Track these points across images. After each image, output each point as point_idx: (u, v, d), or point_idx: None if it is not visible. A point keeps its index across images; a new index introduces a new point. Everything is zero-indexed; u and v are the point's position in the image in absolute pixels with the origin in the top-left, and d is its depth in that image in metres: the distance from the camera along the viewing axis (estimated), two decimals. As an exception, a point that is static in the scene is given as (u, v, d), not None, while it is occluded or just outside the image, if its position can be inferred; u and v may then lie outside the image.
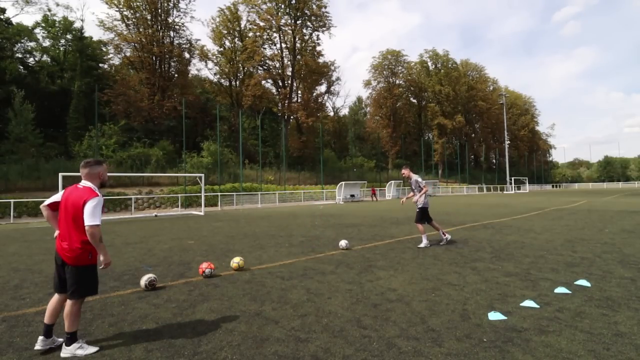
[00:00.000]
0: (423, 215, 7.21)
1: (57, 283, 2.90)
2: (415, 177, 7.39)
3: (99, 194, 2.88)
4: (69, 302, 2.83)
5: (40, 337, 2.84)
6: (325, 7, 42.32)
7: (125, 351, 2.80)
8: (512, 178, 53.17)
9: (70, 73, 36.27)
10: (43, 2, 45.66)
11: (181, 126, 28.15)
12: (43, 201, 2.77)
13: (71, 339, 2.81)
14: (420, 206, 7.20)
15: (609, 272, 4.96)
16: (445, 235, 7.41)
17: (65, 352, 2.79)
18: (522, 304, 3.68)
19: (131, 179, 24.59)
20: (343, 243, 7.12)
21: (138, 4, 34.14)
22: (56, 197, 2.96)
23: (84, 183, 2.94)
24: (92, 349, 2.82)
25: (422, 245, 7.06)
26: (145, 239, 9.05)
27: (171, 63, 37.16)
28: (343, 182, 29.21)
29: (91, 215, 2.73)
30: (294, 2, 40.76)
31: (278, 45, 42.29)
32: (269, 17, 40.14)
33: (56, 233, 2.93)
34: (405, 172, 7.54)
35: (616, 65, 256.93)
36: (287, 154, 38.36)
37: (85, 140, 27.42)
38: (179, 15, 37.04)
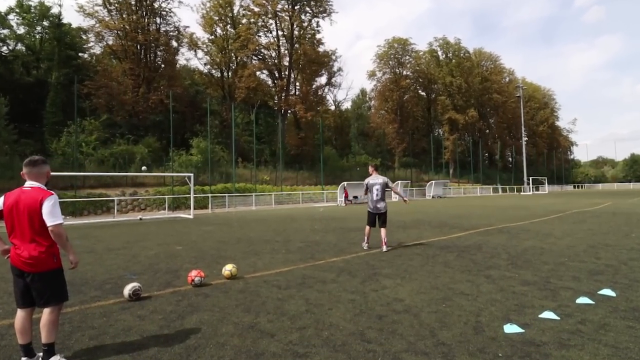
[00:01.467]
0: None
1: (19, 298, 2.84)
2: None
3: (53, 192, 2.88)
4: (46, 311, 2.82)
5: (23, 359, 2.80)
6: (326, -10, 42.37)
7: (107, 367, 2.80)
8: (530, 178, 53.24)
9: (47, 63, 36.26)
10: (17, -15, 45.63)
11: (168, 121, 28.20)
12: None
13: (49, 351, 2.79)
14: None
15: (636, 280, 4.96)
16: (381, 246, 7.60)
17: None
18: (540, 316, 3.68)
19: (114, 179, 24.58)
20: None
21: (121, -13, 34.17)
22: None
23: (32, 184, 2.90)
24: None
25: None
26: (129, 245, 9.05)
27: (157, 52, 37.20)
28: (345, 183, 29.24)
29: (52, 214, 2.73)
30: (291, -15, 40.81)
31: (274, 33, 42.35)
32: (264, 1, 40.20)
33: (5, 247, 2.89)
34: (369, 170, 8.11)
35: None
36: (284, 152, 38.39)
37: (63, 136, 27.42)
38: (166, 0, 37.08)
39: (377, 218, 7.67)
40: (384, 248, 7.51)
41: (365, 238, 7.85)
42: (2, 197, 2.89)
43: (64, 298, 2.96)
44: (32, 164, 2.94)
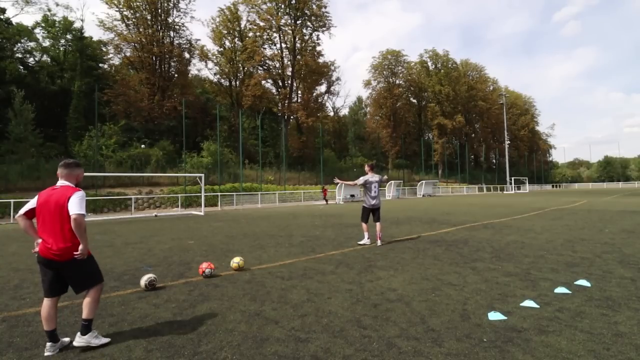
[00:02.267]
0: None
1: (47, 288, 2.86)
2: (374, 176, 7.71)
3: (81, 189, 2.93)
4: (90, 292, 2.91)
5: (48, 344, 2.81)
6: (325, 7, 42.40)
7: (125, 351, 2.80)
8: (512, 178, 53.15)
9: (70, 73, 36.24)
10: (43, 2, 45.59)
11: (181, 126, 28.15)
12: None
13: (87, 327, 2.85)
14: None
15: (609, 272, 4.96)
16: (376, 240, 7.57)
17: (80, 340, 2.82)
18: (522, 304, 3.68)
19: (131, 179, 24.57)
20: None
21: (138, 4, 34.16)
22: (31, 204, 2.89)
23: (62, 183, 2.93)
24: (105, 340, 2.92)
25: (361, 242, 7.63)
26: (145, 239, 9.04)
27: (171, 63, 37.18)
28: (343, 183, 29.13)
29: (76, 205, 2.76)
30: (294, 2, 40.78)
31: (278, 45, 42.36)
32: (269, 17, 40.18)
33: (37, 241, 2.85)
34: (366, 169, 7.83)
35: (616, 65, 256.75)
36: (287, 154, 38.34)
37: (85, 140, 27.41)
38: (179, 15, 37.13)
39: (372, 213, 7.58)
40: (379, 242, 7.46)
41: (366, 235, 7.64)
42: (38, 195, 2.91)
43: (98, 280, 3.00)
44: (65, 165, 2.98)
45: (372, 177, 7.57)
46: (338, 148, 56.26)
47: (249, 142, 39.78)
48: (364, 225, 7.65)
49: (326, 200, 27.66)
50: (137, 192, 23.52)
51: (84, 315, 2.85)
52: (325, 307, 3.72)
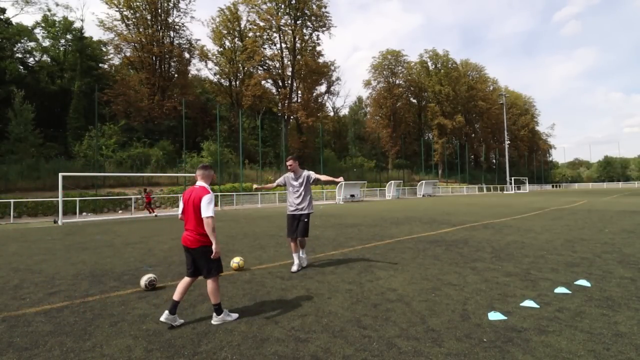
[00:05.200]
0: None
1: (187, 268, 3.46)
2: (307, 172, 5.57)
3: (211, 191, 3.42)
4: (208, 282, 3.36)
5: (165, 312, 3.25)
6: (325, 7, 42.40)
7: (125, 351, 2.80)
8: (512, 178, 53.17)
9: (70, 73, 36.27)
10: (43, 2, 45.71)
11: (181, 126, 28.16)
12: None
13: (219, 309, 3.36)
14: (310, 211, 5.49)
15: (609, 272, 4.96)
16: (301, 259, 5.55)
17: (217, 319, 3.35)
18: (522, 304, 3.68)
19: (131, 179, 24.58)
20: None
21: (138, 4, 34.18)
22: (181, 205, 3.53)
23: (200, 183, 3.49)
24: (235, 315, 3.46)
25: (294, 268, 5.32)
26: (146, 239, 9.05)
27: (171, 63, 37.20)
28: (343, 182, 29.21)
29: (206, 208, 3.26)
30: (294, 2, 40.78)
31: (278, 45, 42.35)
32: (269, 17, 40.17)
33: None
34: (291, 163, 5.50)
35: (616, 66, 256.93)
36: (287, 154, 38.34)
37: (85, 140, 27.42)
38: (179, 16, 37.17)
39: (298, 223, 5.39)
40: (302, 260, 5.48)
41: (295, 257, 5.39)
42: (184, 193, 3.49)
43: (220, 270, 3.47)
44: (203, 168, 3.55)
45: (295, 173, 5.53)
46: (338, 148, 56.29)
47: (249, 142, 39.79)
48: (291, 242, 5.49)
49: (150, 209, 17.93)
50: (137, 192, 23.52)
51: (212, 301, 3.36)
52: (325, 307, 3.72)
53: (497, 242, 7.53)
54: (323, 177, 5.51)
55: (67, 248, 7.90)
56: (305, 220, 5.41)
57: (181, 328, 3.24)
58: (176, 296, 3.30)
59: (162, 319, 3.21)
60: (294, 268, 5.31)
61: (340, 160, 47.22)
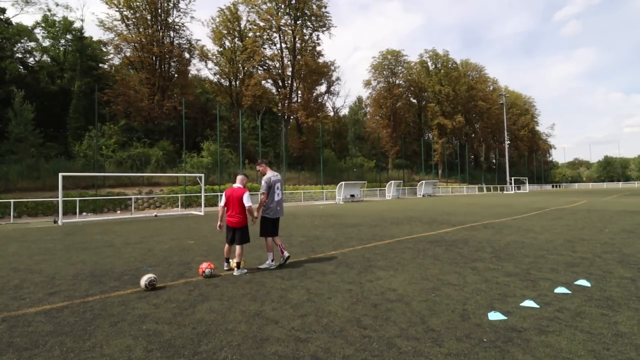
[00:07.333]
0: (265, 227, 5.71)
1: (228, 240, 5.47)
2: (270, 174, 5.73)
3: (246, 189, 5.45)
4: (237, 247, 5.28)
5: (225, 263, 5.49)
6: (325, 7, 42.31)
7: (125, 351, 2.80)
8: (512, 178, 53.16)
9: (70, 73, 36.22)
10: (43, 2, 45.75)
11: (181, 126, 28.13)
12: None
13: (238, 266, 5.22)
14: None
15: (609, 272, 4.96)
16: (282, 253, 5.69)
17: (237, 272, 5.19)
18: (522, 304, 3.68)
19: (131, 179, 24.54)
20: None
21: (138, 4, 34.11)
22: (224, 199, 5.45)
23: (238, 185, 5.48)
24: (245, 270, 5.32)
25: (264, 265, 5.63)
26: (145, 239, 9.05)
27: (171, 63, 37.13)
28: (343, 182, 29.20)
29: (248, 200, 5.35)
30: (294, 2, 40.73)
31: (278, 45, 42.28)
32: (269, 17, 40.13)
33: (219, 223, 5.66)
34: (260, 168, 5.87)
35: (616, 66, 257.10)
36: (287, 154, 38.33)
37: (85, 140, 27.37)
38: (179, 15, 37.02)
39: (274, 225, 5.74)
40: (286, 253, 5.68)
41: (270, 255, 5.60)
42: (225, 191, 5.49)
43: (248, 240, 5.43)
44: (242, 175, 5.68)
45: (274, 175, 5.70)
46: (338, 148, 56.20)
47: (249, 142, 39.78)
48: (268, 240, 5.67)
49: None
50: (137, 192, 23.50)
51: (236, 260, 5.22)
52: (325, 307, 3.72)
53: (497, 242, 7.53)
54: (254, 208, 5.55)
55: (67, 248, 7.89)
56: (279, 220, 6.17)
57: (181, 328, 3.24)
58: (226, 255, 5.51)
59: (225, 268, 5.45)
60: (276, 264, 5.76)
61: (340, 160, 47.16)
